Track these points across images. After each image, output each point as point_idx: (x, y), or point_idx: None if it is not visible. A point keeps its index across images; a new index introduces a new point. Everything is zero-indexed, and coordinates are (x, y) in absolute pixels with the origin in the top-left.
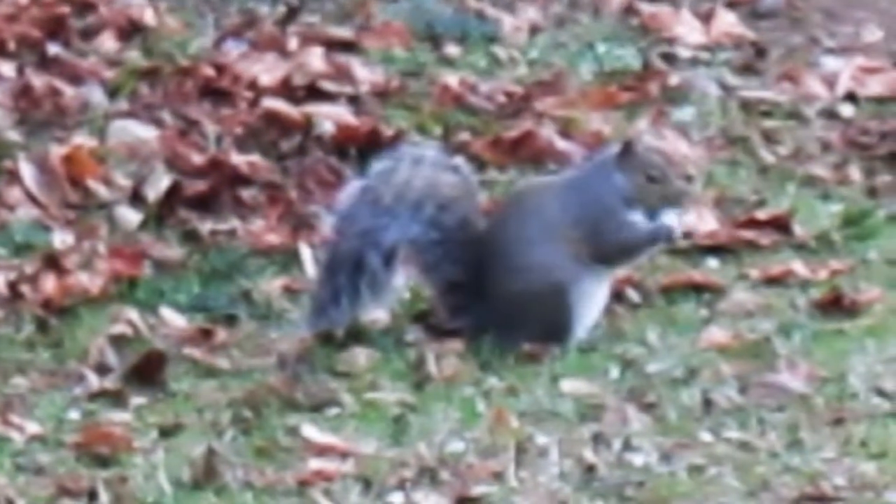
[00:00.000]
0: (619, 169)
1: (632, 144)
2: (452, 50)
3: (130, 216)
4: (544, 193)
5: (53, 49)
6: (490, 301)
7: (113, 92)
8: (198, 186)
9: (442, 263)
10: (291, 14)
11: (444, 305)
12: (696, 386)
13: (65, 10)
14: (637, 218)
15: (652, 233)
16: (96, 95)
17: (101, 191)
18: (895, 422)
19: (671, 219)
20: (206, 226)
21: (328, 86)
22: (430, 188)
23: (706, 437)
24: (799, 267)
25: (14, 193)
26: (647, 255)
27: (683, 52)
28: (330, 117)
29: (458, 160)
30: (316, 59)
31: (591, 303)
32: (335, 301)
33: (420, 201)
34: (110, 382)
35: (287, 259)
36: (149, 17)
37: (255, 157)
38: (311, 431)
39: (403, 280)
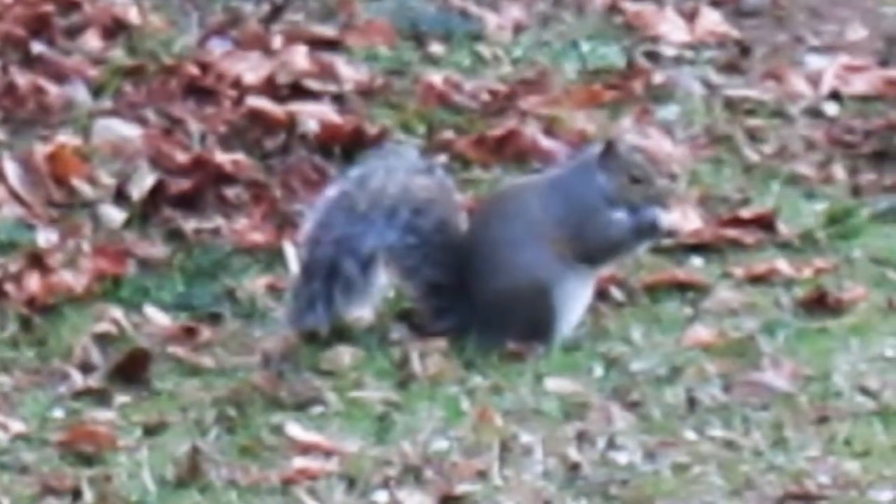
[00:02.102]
0: (602, 169)
1: (613, 144)
2: (436, 48)
3: (115, 215)
4: (527, 193)
5: (38, 47)
6: (474, 301)
7: (97, 90)
8: (182, 185)
9: (422, 267)
10: (275, 12)
11: (426, 308)
12: (680, 384)
13: (49, 8)
14: (620, 215)
15: (636, 228)
16: (80, 94)
17: (86, 189)
18: (879, 420)
19: (654, 213)
20: (190, 224)
21: (312, 84)
22: (404, 193)
23: (690, 435)
24: (783, 265)
25: None
26: (634, 251)
27: (667, 51)
28: (314, 116)
29: (434, 162)
30: (300, 57)
31: (576, 302)
32: (311, 307)
33: (395, 207)
34: (94, 381)
35: (271, 257)
36: (133, 15)
37: (240, 156)
38: (296, 430)
39: (385, 282)
